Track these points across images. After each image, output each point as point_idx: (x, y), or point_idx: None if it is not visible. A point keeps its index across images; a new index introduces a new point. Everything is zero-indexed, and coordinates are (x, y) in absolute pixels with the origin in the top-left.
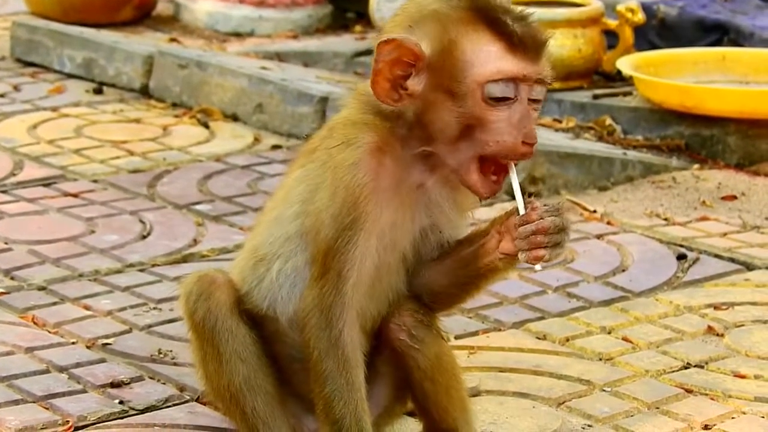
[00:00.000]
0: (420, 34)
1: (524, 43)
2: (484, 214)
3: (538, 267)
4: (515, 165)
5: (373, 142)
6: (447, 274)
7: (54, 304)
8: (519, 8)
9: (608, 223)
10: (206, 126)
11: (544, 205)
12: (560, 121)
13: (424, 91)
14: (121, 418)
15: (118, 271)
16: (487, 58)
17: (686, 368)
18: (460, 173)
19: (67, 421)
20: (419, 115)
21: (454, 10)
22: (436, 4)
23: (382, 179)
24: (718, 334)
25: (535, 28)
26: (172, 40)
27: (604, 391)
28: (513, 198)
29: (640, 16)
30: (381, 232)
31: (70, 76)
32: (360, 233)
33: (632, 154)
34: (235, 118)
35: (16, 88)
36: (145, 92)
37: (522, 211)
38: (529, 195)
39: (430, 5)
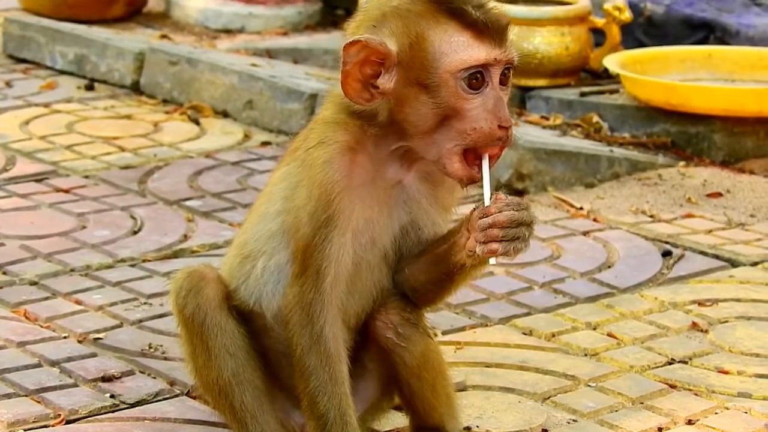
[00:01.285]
0: (385, 33)
1: (489, 28)
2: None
3: (492, 261)
4: (497, 158)
5: (346, 141)
6: (425, 271)
7: (46, 298)
8: None
9: (594, 219)
10: (197, 122)
11: (507, 199)
12: (547, 119)
13: (396, 88)
14: (112, 411)
15: (109, 266)
16: (456, 47)
17: (670, 364)
18: (442, 163)
19: (59, 415)
20: (393, 112)
21: (414, 5)
22: (396, 1)
23: (355, 176)
24: (702, 330)
25: (496, 14)
26: (163, 36)
27: (589, 386)
28: (509, 193)
29: (627, 14)
30: (356, 229)
31: (62, 72)
32: (335, 230)
33: (619, 152)
34: (225, 114)
35: (9, 84)
36: (136, 88)
37: (487, 204)
38: (519, 193)
39: (390, 2)
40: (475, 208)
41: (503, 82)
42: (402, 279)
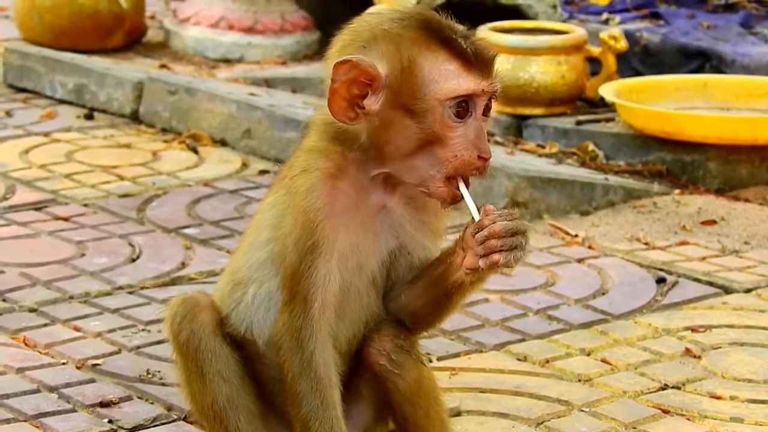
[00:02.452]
0: (375, 55)
1: (478, 59)
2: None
3: (508, 271)
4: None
5: (327, 168)
6: (421, 295)
7: (45, 325)
8: (461, 27)
9: (589, 247)
10: (195, 151)
11: (498, 211)
12: (543, 147)
13: (381, 110)
14: None
15: (108, 294)
16: (446, 76)
17: (663, 389)
18: (425, 185)
19: None
20: (375, 135)
21: (406, 31)
22: (387, 25)
23: (338, 203)
24: (695, 356)
25: (484, 45)
26: (162, 66)
27: (582, 411)
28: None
29: (622, 43)
30: (342, 255)
31: (62, 101)
32: (320, 257)
33: (614, 180)
34: (223, 143)
35: (9, 113)
36: (135, 118)
37: (477, 219)
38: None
39: (381, 25)
40: (467, 227)
41: (485, 112)
42: (398, 306)
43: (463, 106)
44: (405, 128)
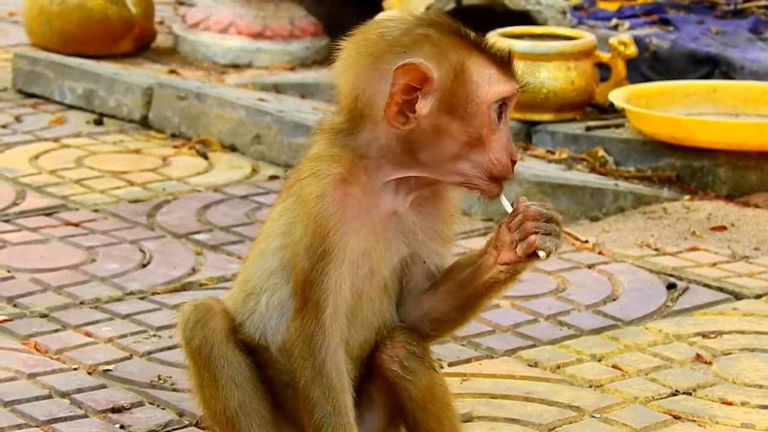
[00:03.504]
0: (422, 58)
1: (508, 62)
2: (472, 244)
3: (542, 254)
4: None
5: (338, 174)
6: (445, 300)
7: (56, 330)
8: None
9: (600, 252)
10: (205, 157)
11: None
12: (553, 153)
13: (429, 113)
14: None
15: (119, 299)
16: (491, 79)
17: (674, 395)
18: (469, 182)
19: None
20: (413, 139)
21: (445, 35)
22: (422, 29)
23: (349, 209)
24: (706, 362)
25: (504, 47)
26: (171, 71)
27: (593, 417)
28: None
29: (632, 49)
30: (354, 261)
31: (71, 107)
32: (331, 263)
33: (624, 185)
34: (233, 148)
35: (18, 119)
36: (144, 123)
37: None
38: None
39: (415, 30)
40: (499, 225)
41: None
42: (419, 314)
43: (503, 109)
44: (452, 131)
